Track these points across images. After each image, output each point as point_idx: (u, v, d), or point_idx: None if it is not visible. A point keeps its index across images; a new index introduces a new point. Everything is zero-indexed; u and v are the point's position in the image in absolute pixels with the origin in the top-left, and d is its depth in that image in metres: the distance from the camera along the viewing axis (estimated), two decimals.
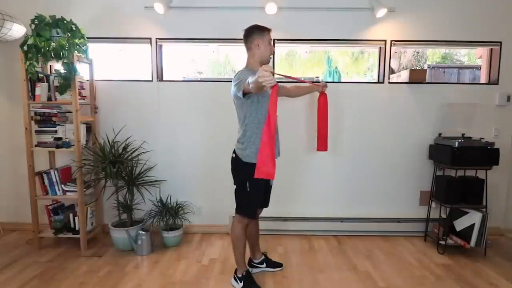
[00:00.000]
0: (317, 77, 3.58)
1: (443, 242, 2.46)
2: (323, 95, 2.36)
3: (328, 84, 2.39)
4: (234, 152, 1.90)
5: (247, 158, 1.83)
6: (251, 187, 1.86)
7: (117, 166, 2.40)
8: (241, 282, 1.95)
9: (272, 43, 1.92)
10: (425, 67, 5.97)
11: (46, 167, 2.66)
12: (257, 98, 1.78)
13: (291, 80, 2.11)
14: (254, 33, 1.86)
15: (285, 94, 2.29)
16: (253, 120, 1.81)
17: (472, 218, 2.42)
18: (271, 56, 1.94)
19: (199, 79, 3.09)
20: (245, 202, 1.89)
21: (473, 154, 2.39)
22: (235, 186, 1.93)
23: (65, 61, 2.27)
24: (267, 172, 1.48)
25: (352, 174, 2.84)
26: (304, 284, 2.04)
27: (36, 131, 2.48)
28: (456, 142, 2.40)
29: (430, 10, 2.68)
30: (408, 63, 6.01)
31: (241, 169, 1.87)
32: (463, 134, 2.65)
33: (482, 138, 2.49)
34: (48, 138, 2.47)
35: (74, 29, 2.38)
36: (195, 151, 2.81)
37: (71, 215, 2.54)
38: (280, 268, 2.22)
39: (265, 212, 2.14)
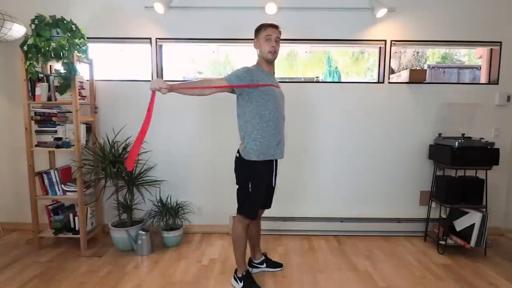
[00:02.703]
0: (317, 77, 3.58)
1: (443, 242, 2.46)
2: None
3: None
4: (238, 151, 1.90)
5: (248, 155, 1.82)
6: (254, 187, 1.85)
7: (117, 166, 2.40)
8: (241, 282, 1.95)
9: (272, 38, 1.81)
10: (425, 67, 5.97)
11: (46, 167, 2.66)
12: (259, 95, 1.78)
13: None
14: (255, 34, 1.88)
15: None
16: (254, 116, 1.80)
17: (472, 218, 2.42)
18: (270, 52, 1.80)
19: (199, 79, 3.09)
20: (247, 202, 1.89)
21: (473, 154, 2.39)
22: (237, 186, 1.92)
23: (65, 61, 2.27)
24: (129, 162, 1.77)
25: (352, 174, 2.84)
26: (304, 284, 2.04)
27: (36, 131, 2.48)
28: (456, 142, 2.40)
29: (430, 10, 2.68)
30: (408, 63, 6.01)
31: (243, 169, 1.86)
32: (463, 134, 2.65)
33: (482, 138, 2.49)
34: (48, 138, 2.47)
35: (74, 29, 2.38)
36: (195, 151, 2.81)
37: (71, 215, 2.54)
38: (280, 268, 2.22)
39: (265, 212, 2.14)
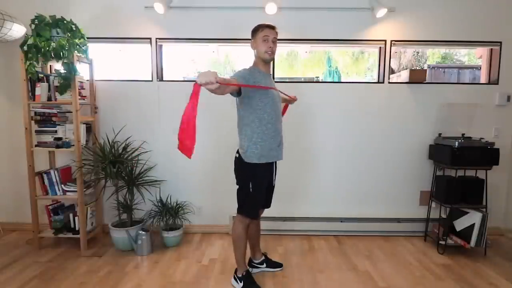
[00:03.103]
0: (317, 77, 3.58)
1: (443, 242, 2.46)
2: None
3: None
4: (237, 152, 1.90)
5: (249, 158, 1.83)
6: (254, 188, 1.85)
7: (117, 166, 2.40)
8: (241, 282, 1.95)
9: (269, 39, 1.80)
10: (425, 67, 5.97)
11: (46, 167, 2.66)
12: (259, 98, 1.78)
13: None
14: (251, 35, 1.88)
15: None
16: (253, 119, 1.80)
17: (472, 218, 2.42)
18: (267, 52, 1.80)
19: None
20: (248, 202, 1.89)
21: (473, 154, 2.39)
22: (237, 186, 1.92)
23: (65, 61, 2.27)
24: (186, 147, 1.60)
25: (352, 174, 2.84)
26: (304, 284, 2.04)
27: (36, 131, 2.48)
28: (456, 142, 2.40)
29: (430, 10, 2.68)
30: (408, 63, 6.00)
31: (244, 170, 1.87)
32: (463, 134, 2.65)
33: (482, 138, 2.49)
34: (48, 138, 2.47)
35: (74, 29, 2.38)
36: (195, 151, 2.79)
37: (71, 215, 2.54)
38: (280, 268, 2.22)
39: (265, 212, 2.14)
